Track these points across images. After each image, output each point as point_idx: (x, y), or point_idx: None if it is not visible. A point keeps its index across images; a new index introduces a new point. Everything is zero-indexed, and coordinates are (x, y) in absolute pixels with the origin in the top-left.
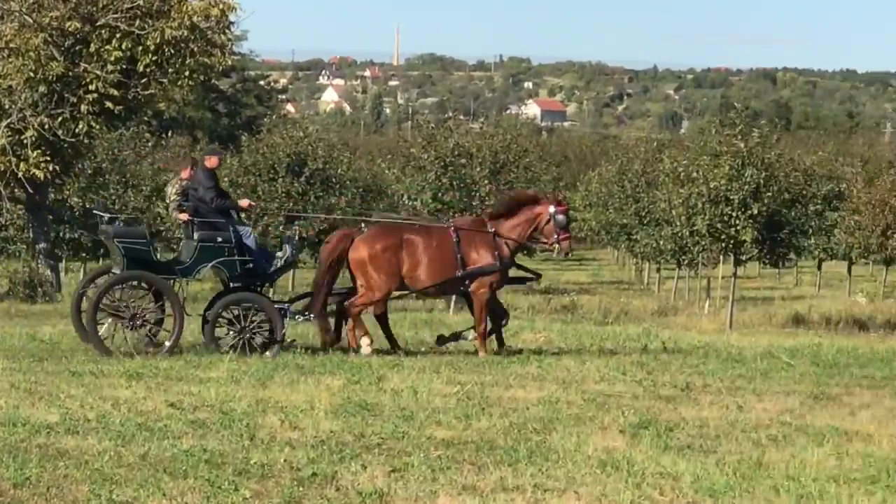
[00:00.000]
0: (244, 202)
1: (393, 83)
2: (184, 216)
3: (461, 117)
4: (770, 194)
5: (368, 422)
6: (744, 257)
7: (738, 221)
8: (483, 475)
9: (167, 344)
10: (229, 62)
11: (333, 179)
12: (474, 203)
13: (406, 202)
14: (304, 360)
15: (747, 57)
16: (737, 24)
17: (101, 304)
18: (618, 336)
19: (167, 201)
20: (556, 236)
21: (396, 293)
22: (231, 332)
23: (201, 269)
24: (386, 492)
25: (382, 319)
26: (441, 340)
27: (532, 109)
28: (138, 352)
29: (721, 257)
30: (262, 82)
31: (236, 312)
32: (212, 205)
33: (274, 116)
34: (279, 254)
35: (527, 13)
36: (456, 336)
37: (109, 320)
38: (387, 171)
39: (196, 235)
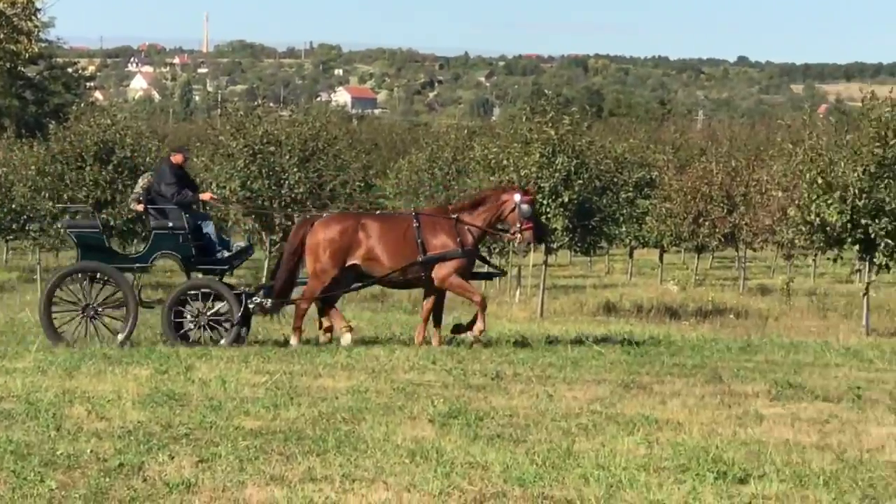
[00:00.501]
0: (206, 195)
1: (202, 70)
2: (139, 207)
3: (271, 105)
4: (581, 182)
5: (176, 412)
6: (555, 245)
7: (548, 209)
8: (291, 465)
9: (120, 336)
10: (36, 49)
11: (142, 167)
12: (283, 192)
13: (215, 190)
14: (111, 351)
15: (559, 44)
16: (548, 11)
17: (54, 296)
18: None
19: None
20: (518, 225)
21: (357, 284)
22: (188, 318)
23: (155, 257)
24: (193, 482)
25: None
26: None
27: (342, 97)
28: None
29: (531, 245)
30: (69, 70)
31: (194, 299)
32: (172, 200)
33: (82, 104)
34: (240, 243)
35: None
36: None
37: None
38: (195, 159)
39: (151, 224)
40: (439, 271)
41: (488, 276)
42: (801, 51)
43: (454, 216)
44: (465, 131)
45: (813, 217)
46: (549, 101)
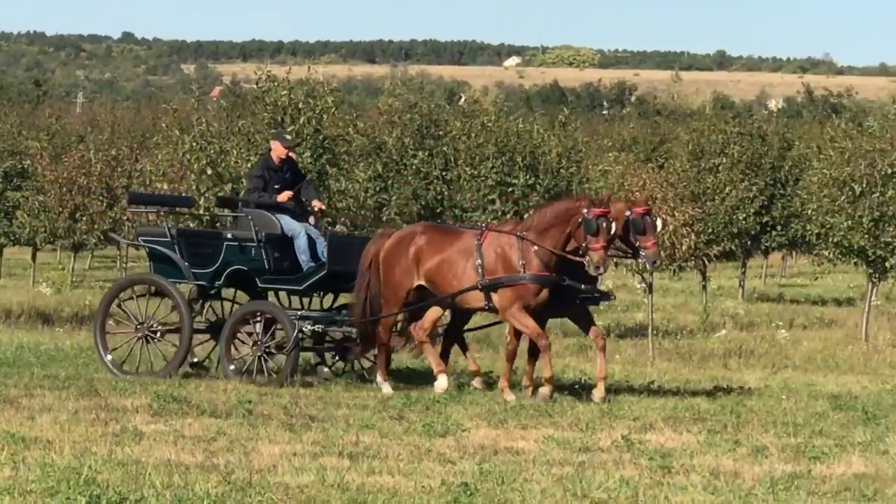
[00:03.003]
0: (283, 196)
1: None
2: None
3: None
4: None
5: None
6: None
7: None
8: None
9: (173, 361)
10: None
11: None
12: None
13: None
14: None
15: None
16: None
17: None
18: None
19: None
20: (584, 244)
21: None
22: (246, 347)
23: (224, 273)
24: None
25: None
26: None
27: None
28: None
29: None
30: None
31: (253, 325)
32: (248, 198)
33: None
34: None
35: None
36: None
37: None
38: None
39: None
40: (500, 299)
41: (594, 300)
42: (193, 27)
43: (521, 234)
44: None
45: (202, 212)
46: None
